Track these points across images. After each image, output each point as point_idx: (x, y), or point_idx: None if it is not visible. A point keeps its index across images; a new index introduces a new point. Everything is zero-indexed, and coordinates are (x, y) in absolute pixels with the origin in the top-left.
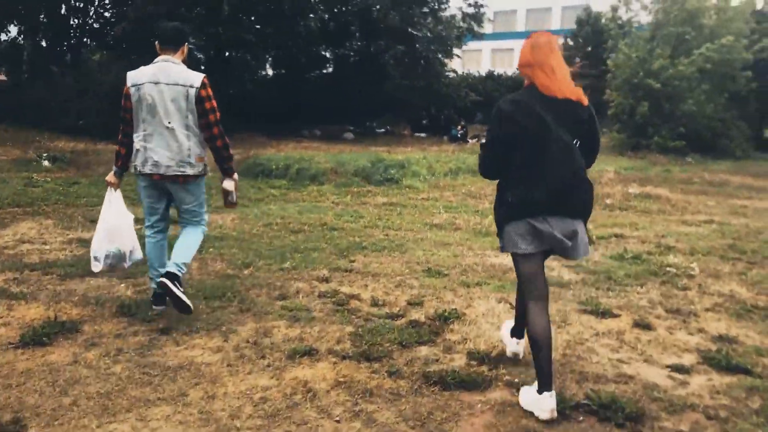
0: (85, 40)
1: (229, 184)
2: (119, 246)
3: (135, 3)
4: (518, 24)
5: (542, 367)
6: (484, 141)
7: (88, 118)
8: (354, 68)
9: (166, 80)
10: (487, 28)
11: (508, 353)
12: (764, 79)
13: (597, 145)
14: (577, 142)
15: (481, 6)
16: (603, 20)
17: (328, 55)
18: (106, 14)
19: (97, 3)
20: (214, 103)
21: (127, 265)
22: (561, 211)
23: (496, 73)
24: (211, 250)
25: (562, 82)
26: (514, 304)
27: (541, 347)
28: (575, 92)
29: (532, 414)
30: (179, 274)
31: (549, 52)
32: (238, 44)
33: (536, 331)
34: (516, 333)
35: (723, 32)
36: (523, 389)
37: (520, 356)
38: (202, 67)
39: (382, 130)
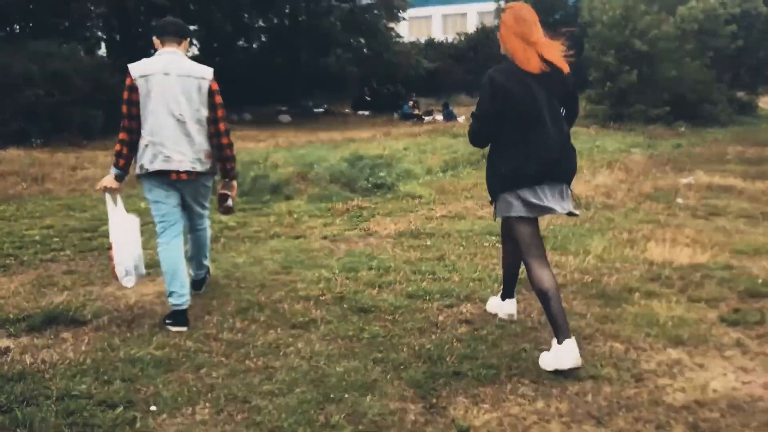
0: None
1: (228, 187)
2: (139, 253)
3: None
4: None
5: (557, 318)
6: (476, 112)
7: None
8: (287, 38)
9: (177, 72)
10: None
11: (504, 316)
12: (748, 34)
13: (578, 111)
14: (563, 110)
15: None
16: None
17: (261, 23)
18: None
19: None
20: (221, 98)
21: (144, 270)
22: (552, 177)
23: (437, 41)
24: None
25: (545, 53)
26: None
27: (550, 298)
28: (559, 60)
29: None
30: (205, 276)
31: (533, 24)
32: (149, 13)
33: (543, 285)
34: (507, 293)
35: None
36: (543, 355)
37: (515, 317)
38: (104, 44)
39: (321, 109)
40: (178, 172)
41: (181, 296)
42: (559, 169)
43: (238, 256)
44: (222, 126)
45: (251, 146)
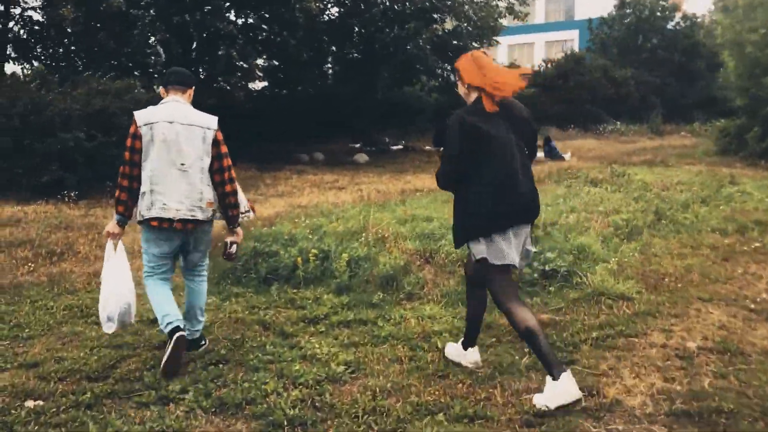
0: (6, 51)
1: (233, 234)
2: (128, 301)
3: None
4: (537, 16)
5: (547, 355)
6: (446, 153)
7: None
8: (363, 66)
9: (182, 120)
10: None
11: (469, 365)
12: None
13: (536, 150)
14: (525, 150)
15: None
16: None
17: (333, 49)
18: (36, 16)
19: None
20: (226, 147)
21: (132, 319)
22: (523, 219)
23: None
24: None
25: (509, 94)
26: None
27: (537, 335)
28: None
29: None
30: (201, 337)
31: (497, 68)
32: (214, 40)
33: (528, 324)
34: (469, 343)
35: None
36: (537, 396)
37: (480, 364)
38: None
39: (398, 146)
40: (172, 221)
41: (177, 317)
42: (530, 209)
43: None
44: (227, 175)
45: (333, 198)
